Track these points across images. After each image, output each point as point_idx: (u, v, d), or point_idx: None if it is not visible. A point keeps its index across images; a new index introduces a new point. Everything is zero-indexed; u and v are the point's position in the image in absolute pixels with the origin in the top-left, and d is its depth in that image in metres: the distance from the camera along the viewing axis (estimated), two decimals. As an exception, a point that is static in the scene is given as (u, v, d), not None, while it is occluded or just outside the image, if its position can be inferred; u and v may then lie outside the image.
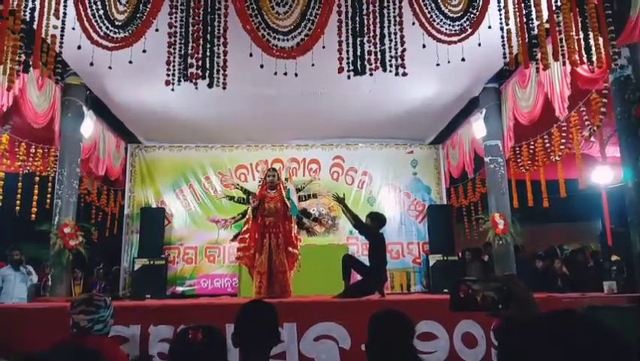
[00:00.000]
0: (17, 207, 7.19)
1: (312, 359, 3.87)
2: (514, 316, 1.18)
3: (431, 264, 9.16)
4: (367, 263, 5.66)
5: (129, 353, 3.74)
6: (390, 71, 4.74)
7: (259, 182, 8.19)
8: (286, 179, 6.46)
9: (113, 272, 9.82)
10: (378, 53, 4.69)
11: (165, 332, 3.89)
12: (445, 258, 9.02)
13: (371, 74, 4.71)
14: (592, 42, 4.38)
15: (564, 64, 4.68)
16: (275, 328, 2.08)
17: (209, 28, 4.68)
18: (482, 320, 3.87)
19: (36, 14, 4.22)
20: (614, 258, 8.10)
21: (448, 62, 5.03)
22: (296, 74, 4.98)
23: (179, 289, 9.41)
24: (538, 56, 4.62)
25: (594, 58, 4.42)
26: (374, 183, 10.22)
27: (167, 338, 3.82)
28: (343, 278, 5.44)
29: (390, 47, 4.72)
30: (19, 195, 7.26)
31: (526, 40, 4.55)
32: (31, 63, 4.44)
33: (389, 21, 4.72)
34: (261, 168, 9.86)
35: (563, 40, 4.39)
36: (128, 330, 3.91)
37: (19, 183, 7.30)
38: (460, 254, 9.58)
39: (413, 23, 4.72)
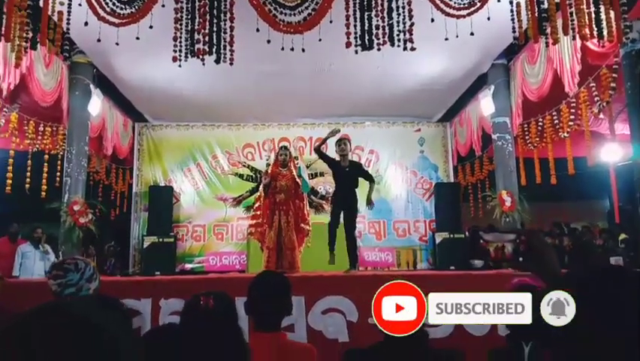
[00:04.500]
0: (27, 185, 7.26)
1: (320, 331, 3.92)
2: (531, 269, 1.17)
3: (437, 242, 9.19)
4: (350, 235, 5.67)
5: (140, 326, 3.83)
6: (399, 46, 4.70)
7: (267, 160, 8.22)
8: (296, 157, 6.48)
9: (123, 249, 9.93)
10: (386, 28, 4.65)
11: (176, 305, 3.94)
12: (452, 236, 9.03)
13: (379, 49, 4.67)
14: (603, 16, 4.32)
15: (574, 38, 4.63)
16: (287, 297, 2.12)
17: (215, 3, 4.65)
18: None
19: (43, -10, 4.22)
20: (622, 236, 8.10)
21: (457, 36, 4.97)
22: (303, 50, 4.94)
23: (188, 266, 9.52)
24: (548, 30, 4.56)
25: (605, 32, 4.35)
26: (381, 162, 10.19)
27: (177, 311, 3.86)
28: (329, 244, 5.48)
29: (398, 22, 4.68)
30: (28, 174, 7.32)
31: (536, 14, 4.49)
32: (38, 40, 4.44)
33: (397, -6, 4.67)
34: (267, 146, 9.87)
35: (574, 14, 4.33)
36: (140, 303, 3.98)
37: (29, 162, 7.35)
38: (466, 232, 9.59)
39: (421, -3, 4.68)
